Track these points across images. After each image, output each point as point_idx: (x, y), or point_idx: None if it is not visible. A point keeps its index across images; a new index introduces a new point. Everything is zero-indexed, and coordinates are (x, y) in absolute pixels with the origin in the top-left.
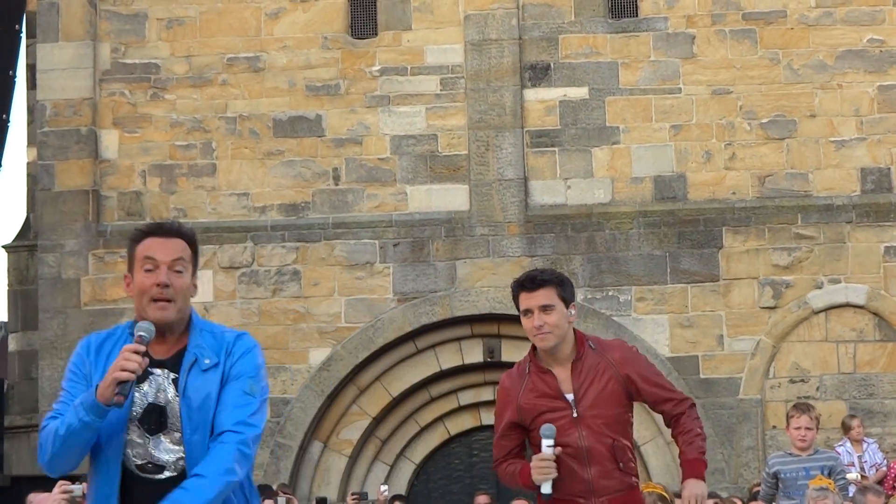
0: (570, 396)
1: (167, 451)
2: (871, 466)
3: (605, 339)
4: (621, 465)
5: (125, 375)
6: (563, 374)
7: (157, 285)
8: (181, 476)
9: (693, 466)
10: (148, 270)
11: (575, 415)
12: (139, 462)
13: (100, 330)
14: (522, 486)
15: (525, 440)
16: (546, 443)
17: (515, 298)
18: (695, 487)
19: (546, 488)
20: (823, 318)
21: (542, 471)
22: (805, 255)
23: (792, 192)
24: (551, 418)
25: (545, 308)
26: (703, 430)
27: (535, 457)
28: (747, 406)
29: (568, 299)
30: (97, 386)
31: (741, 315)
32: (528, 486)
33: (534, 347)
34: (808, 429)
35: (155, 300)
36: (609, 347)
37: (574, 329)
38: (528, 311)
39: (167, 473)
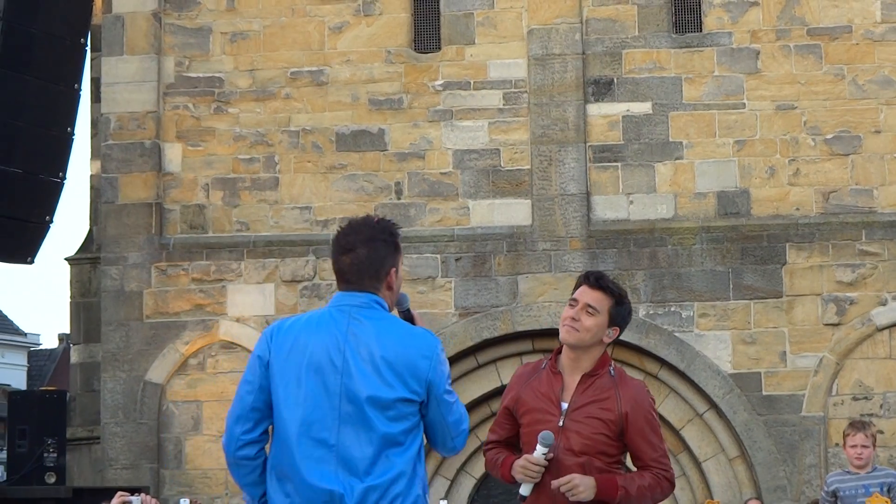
0: (565, 405)
1: None
2: None
3: (630, 377)
4: None
5: None
6: (571, 383)
7: None
8: None
9: (608, 480)
10: None
11: (560, 423)
12: None
13: (164, 339)
14: (500, 477)
15: (517, 434)
16: (541, 450)
17: (575, 288)
18: (581, 479)
19: (525, 490)
20: (888, 334)
21: (528, 472)
22: (869, 272)
23: (856, 208)
24: (538, 419)
25: (590, 307)
26: (654, 494)
27: (525, 457)
28: (810, 423)
29: (615, 319)
30: None
31: (804, 332)
32: (505, 479)
33: (557, 351)
34: (864, 446)
35: None
36: (627, 383)
37: (605, 353)
38: (573, 301)
39: None
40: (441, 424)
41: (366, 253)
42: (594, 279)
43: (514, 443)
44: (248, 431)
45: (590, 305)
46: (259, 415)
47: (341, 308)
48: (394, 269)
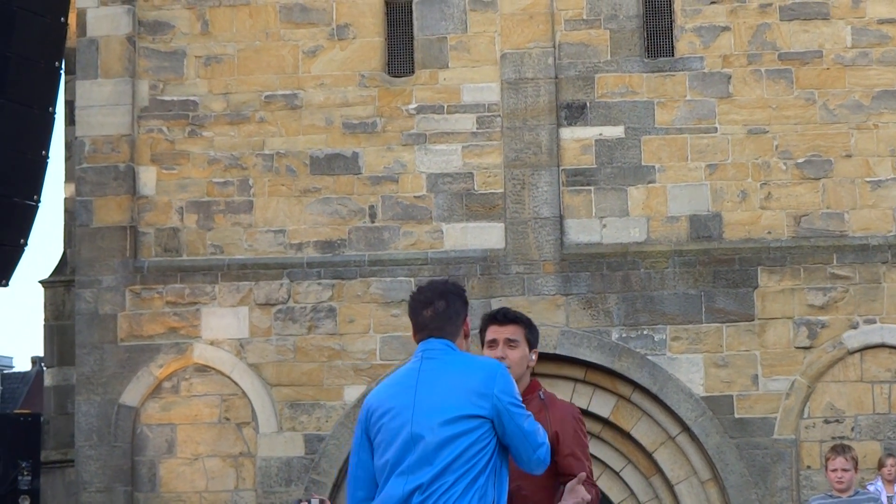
0: None
1: None
2: None
3: (558, 399)
4: None
5: None
6: None
7: None
8: None
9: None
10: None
11: None
12: None
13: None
14: None
15: None
16: None
17: (483, 331)
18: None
19: None
20: (858, 358)
21: None
22: (840, 296)
23: (827, 232)
24: None
25: (510, 342)
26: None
27: None
28: (782, 446)
29: (532, 343)
30: None
31: (776, 355)
32: None
33: None
34: (844, 470)
35: None
36: (554, 404)
37: (533, 378)
38: (493, 342)
39: None
40: (519, 436)
41: (444, 305)
42: (502, 316)
43: None
44: (355, 491)
45: (510, 339)
46: (364, 474)
47: (417, 354)
48: (467, 318)
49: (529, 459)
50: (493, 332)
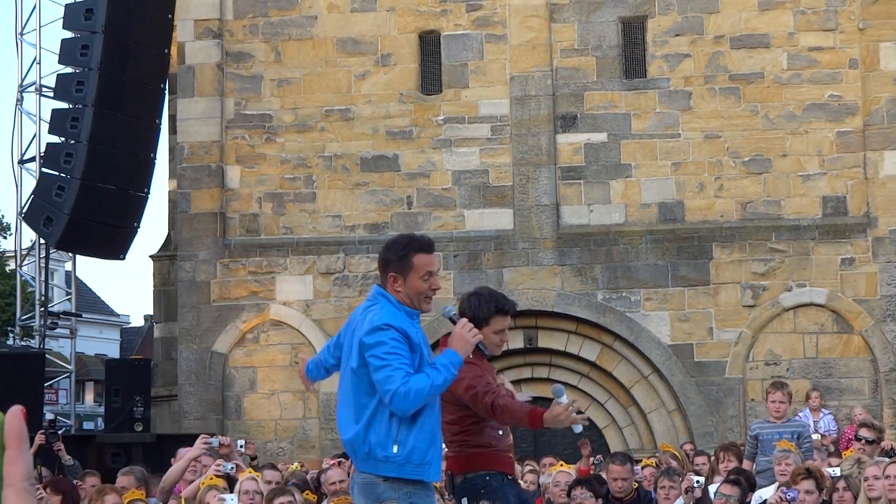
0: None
1: None
2: (825, 432)
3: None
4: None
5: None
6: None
7: (434, 289)
8: None
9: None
10: (424, 279)
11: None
12: None
13: (226, 319)
14: (523, 424)
15: None
16: (565, 399)
17: (491, 313)
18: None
19: (578, 428)
20: (792, 314)
21: (572, 418)
22: (778, 265)
23: (768, 215)
24: (497, 391)
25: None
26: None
27: (561, 408)
28: (731, 383)
29: None
30: (455, 351)
31: (727, 312)
32: (529, 425)
33: (477, 347)
34: (781, 402)
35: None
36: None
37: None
38: (501, 331)
39: None
40: (377, 386)
41: (379, 258)
42: (513, 309)
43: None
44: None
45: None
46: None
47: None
48: (391, 274)
49: (388, 405)
50: (503, 322)
